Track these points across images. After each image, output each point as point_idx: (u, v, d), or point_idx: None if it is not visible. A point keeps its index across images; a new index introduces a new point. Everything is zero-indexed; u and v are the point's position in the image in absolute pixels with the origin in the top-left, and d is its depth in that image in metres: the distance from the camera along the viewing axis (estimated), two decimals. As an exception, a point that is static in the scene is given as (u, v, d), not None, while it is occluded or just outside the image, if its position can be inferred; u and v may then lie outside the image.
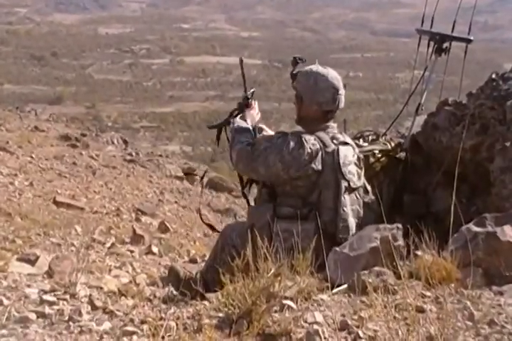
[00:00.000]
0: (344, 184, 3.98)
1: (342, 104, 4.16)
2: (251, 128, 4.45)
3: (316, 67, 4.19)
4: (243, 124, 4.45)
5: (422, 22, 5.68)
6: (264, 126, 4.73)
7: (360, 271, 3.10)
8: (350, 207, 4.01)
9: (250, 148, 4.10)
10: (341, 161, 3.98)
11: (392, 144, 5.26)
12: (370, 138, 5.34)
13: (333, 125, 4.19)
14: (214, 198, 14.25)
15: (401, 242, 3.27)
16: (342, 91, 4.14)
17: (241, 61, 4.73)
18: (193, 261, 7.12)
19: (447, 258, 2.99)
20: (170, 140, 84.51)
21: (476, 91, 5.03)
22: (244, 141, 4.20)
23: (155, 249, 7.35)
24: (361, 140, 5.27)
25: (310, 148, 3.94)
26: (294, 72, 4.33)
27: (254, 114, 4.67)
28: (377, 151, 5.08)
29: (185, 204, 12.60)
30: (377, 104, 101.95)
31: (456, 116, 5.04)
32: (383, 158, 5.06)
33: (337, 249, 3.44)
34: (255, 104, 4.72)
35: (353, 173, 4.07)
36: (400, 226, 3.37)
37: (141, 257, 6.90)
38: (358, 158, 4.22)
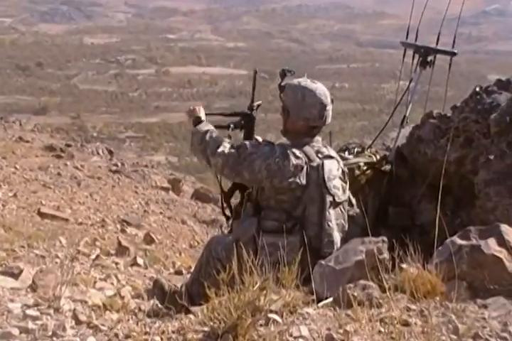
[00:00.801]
0: (329, 199, 3.97)
1: (329, 120, 4.13)
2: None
3: (304, 81, 4.16)
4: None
5: (407, 34, 5.72)
6: (259, 138, 4.69)
7: (345, 284, 3.09)
8: (335, 221, 4.00)
9: (235, 150, 4.06)
10: (326, 176, 3.97)
11: (378, 157, 5.27)
12: (356, 150, 5.35)
13: (318, 138, 4.16)
14: (200, 209, 14.22)
15: (386, 255, 3.27)
16: (329, 107, 4.11)
17: (255, 73, 4.70)
18: (178, 272, 7.11)
19: (432, 272, 2.99)
20: (155, 150, 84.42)
21: (461, 105, 5.05)
22: (227, 145, 4.15)
23: (140, 261, 7.32)
24: (347, 152, 5.28)
25: (295, 162, 3.92)
26: (282, 84, 4.30)
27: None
28: (362, 164, 5.10)
29: (170, 215, 12.58)
30: (362, 115, 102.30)
31: (440, 128, 5.07)
32: (369, 171, 5.07)
33: (322, 262, 3.44)
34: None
35: (338, 187, 4.06)
36: (385, 239, 3.37)
37: (126, 269, 6.87)
38: (343, 172, 4.19)
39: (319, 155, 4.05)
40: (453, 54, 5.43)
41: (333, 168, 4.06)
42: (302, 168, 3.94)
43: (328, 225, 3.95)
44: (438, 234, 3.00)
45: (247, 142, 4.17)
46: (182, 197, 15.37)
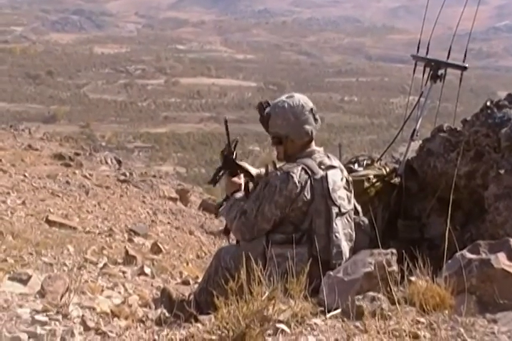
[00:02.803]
0: (335, 210, 3.96)
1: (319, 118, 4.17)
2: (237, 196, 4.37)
3: (283, 102, 4.13)
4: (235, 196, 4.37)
5: (418, 49, 5.72)
6: (246, 165, 4.64)
7: (354, 295, 3.09)
8: (343, 231, 4.00)
9: (244, 217, 4.07)
10: (331, 187, 3.96)
11: (387, 169, 5.27)
12: (365, 162, 5.35)
13: (318, 149, 4.16)
14: (207, 220, 14.21)
15: (395, 268, 3.27)
16: (314, 106, 4.14)
17: (225, 121, 4.62)
18: (185, 282, 7.09)
19: (441, 285, 2.99)
20: (164, 160, 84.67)
21: (471, 118, 5.05)
22: (237, 214, 4.14)
23: (147, 270, 7.31)
24: (356, 164, 5.28)
25: (298, 181, 3.92)
26: (266, 114, 4.18)
27: (235, 184, 4.49)
28: (371, 176, 5.09)
29: (178, 225, 12.56)
30: (371, 129, 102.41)
31: (451, 142, 5.07)
32: (378, 183, 5.07)
33: (331, 273, 3.44)
34: (241, 176, 4.53)
35: (343, 198, 4.05)
36: (394, 251, 3.36)
37: (134, 278, 6.85)
38: (347, 181, 4.18)
39: (322, 166, 4.04)
40: (464, 68, 5.44)
41: (336, 179, 4.05)
42: (306, 183, 3.93)
43: (336, 236, 3.94)
44: (447, 247, 3.00)
45: (248, 198, 4.19)
46: (190, 207, 15.37)
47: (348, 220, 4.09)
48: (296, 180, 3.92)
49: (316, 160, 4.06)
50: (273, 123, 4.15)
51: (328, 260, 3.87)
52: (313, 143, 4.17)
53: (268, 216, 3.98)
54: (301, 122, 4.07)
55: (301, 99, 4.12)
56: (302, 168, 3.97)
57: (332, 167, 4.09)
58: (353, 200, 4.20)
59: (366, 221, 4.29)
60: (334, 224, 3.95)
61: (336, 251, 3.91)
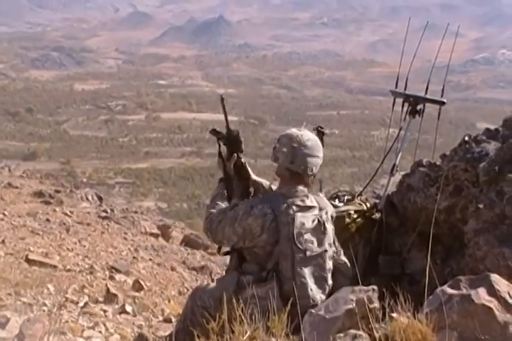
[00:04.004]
0: (299, 254, 3.91)
1: (299, 161, 4.08)
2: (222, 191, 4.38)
3: (289, 133, 4.12)
4: (218, 189, 4.41)
5: (397, 83, 5.76)
6: (252, 174, 4.58)
7: (335, 333, 3.07)
8: (313, 274, 3.95)
9: (209, 220, 4.16)
10: (296, 231, 3.90)
11: (368, 205, 5.28)
12: (346, 198, 5.36)
13: (301, 189, 4.09)
14: (189, 255, 14.17)
15: (376, 304, 3.25)
16: (307, 149, 4.08)
17: (222, 99, 4.60)
18: (167, 320, 7.05)
19: (422, 321, 2.98)
20: (145, 196, 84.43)
21: (450, 153, 5.08)
22: (207, 213, 4.24)
23: (129, 308, 7.27)
24: (337, 200, 5.29)
25: (259, 218, 3.91)
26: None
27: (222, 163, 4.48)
28: (352, 212, 5.10)
29: (160, 261, 12.51)
30: (352, 162, 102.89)
31: (430, 177, 5.09)
32: (359, 219, 5.07)
33: (312, 311, 3.41)
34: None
35: (311, 241, 3.98)
36: (375, 288, 3.35)
37: (115, 316, 6.81)
38: (320, 222, 4.07)
39: (294, 207, 3.97)
40: (442, 103, 5.48)
41: (306, 221, 3.97)
42: (269, 224, 3.90)
43: (301, 281, 3.88)
44: (428, 282, 2.99)
45: (218, 205, 4.25)
46: (171, 243, 15.32)
47: (321, 262, 4.03)
48: (256, 215, 3.91)
49: (288, 201, 4.00)
50: (291, 161, 4.08)
51: (296, 303, 3.83)
52: (296, 181, 4.10)
53: (226, 235, 4.04)
54: (288, 159, 4.05)
55: (299, 136, 4.08)
56: (270, 207, 3.94)
57: (307, 208, 4.03)
58: (328, 241, 4.11)
59: (346, 262, 4.26)
60: (299, 269, 3.90)
61: (301, 295, 3.80)
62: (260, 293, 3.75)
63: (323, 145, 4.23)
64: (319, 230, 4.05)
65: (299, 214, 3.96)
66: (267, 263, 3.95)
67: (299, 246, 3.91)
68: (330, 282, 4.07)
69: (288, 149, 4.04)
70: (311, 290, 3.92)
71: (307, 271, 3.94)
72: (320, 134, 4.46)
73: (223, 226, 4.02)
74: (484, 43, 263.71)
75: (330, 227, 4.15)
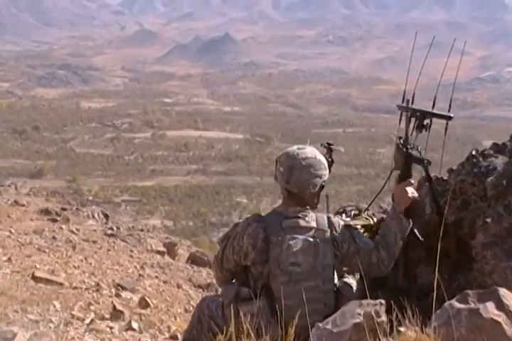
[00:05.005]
0: (283, 278, 3.87)
1: (293, 181, 4.07)
2: None
3: (290, 152, 4.11)
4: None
5: (403, 99, 5.76)
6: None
7: (343, 348, 3.06)
8: (301, 296, 3.76)
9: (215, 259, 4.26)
10: (283, 253, 3.88)
11: (375, 219, 5.26)
12: (353, 213, 5.34)
13: (297, 209, 4.06)
14: (195, 273, 14.14)
15: (384, 318, 3.23)
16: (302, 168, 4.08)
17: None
18: (173, 337, 7.03)
19: (430, 335, 2.96)
20: (151, 214, 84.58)
21: (457, 168, 5.07)
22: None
23: (135, 325, 7.24)
24: (344, 215, 5.28)
25: (250, 238, 3.93)
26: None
27: (407, 191, 4.52)
28: (359, 226, 5.08)
29: (166, 279, 12.48)
30: (358, 179, 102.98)
31: (437, 191, 5.08)
32: (366, 234, 5.05)
33: (320, 324, 3.40)
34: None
35: (299, 264, 3.90)
36: (382, 301, 3.33)
37: (121, 333, 6.79)
38: (312, 244, 3.97)
39: (286, 228, 3.95)
40: (449, 118, 5.46)
41: (295, 243, 3.91)
42: (261, 243, 3.91)
43: (286, 303, 3.73)
44: (436, 297, 2.98)
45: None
46: (177, 260, 15.30)
47: (312, 284, 3.93)
48: (249, 234, 3.94)
49: (282, 221, 3.98)
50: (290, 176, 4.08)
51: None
52: (294, 201, 4.09)
53: (226, 254, 4.10)
54: (284, 178, 4.05)
55: (295, 154, 4.07)
56: (262, 227, 3.95)
57: (300, 229, 3.97)
58: (325, 262, 3.99)
59: (349, 282, 4.19)
60: (286, 290, 3.82)
61: (289, 317, 3.66)
62: (252, 310, 3.76)
63: (332, 162, 4.23)
64: (310, 252, 3.95)
65: (288, 236, 3.91)
66: (257, 281, 3.97)
67: (283, 268, 3.87)
68: (329, 302, 3.97)
69: (284, 168, 4.04)
70: (298, 312, 3.69)
71: (295, 293, 3.85)
72: (329, 151, 4.47)
73: (224, 246, 4.09)
74: (490, 61, 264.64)
75: (328, 248, 4.03)
